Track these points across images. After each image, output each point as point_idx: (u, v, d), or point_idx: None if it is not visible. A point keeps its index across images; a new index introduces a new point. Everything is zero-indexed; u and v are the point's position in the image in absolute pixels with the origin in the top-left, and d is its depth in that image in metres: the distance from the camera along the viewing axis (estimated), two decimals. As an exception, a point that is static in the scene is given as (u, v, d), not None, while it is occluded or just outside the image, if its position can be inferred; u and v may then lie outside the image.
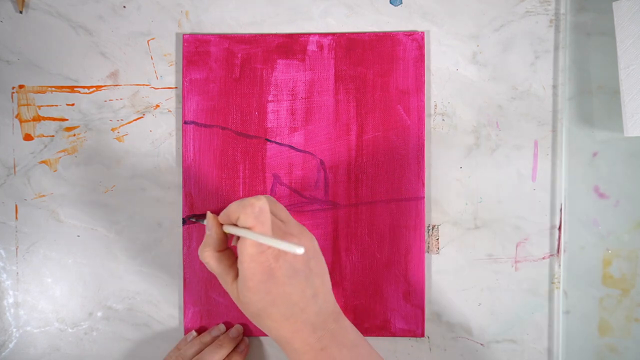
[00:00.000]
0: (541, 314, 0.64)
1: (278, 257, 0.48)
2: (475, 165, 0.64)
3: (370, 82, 0.63)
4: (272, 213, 0.51)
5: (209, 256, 0.51)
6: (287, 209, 0.63)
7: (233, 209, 0.49)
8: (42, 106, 0.64)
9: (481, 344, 0.64)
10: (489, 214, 0.64)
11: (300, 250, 0.42)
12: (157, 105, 0.64)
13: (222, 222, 0.51)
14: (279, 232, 0.50)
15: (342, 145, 0.63)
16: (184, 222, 0.63)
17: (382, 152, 0.63)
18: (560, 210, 0.63)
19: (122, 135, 0.64)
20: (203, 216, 0.57)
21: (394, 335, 0.63)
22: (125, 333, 0.65)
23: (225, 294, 0.63)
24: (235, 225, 0.49)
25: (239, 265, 0.48)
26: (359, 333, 0.55)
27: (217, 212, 0.52)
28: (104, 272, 0.64)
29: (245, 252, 0.47)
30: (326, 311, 0.51)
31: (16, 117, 0.64)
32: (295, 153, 0.63)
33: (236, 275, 0.51)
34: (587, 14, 0.63)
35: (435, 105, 0.64)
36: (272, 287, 0.48)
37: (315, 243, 0.53)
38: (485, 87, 0.64)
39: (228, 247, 0.53)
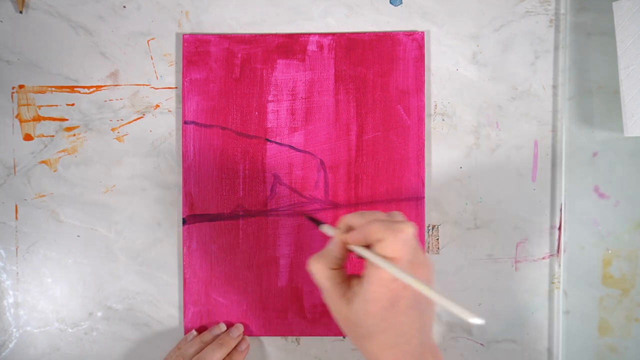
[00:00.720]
0: (541, 314, 0.64)
1: (407, 287, 0.45)
2: (475, 165, 0.64)
3: (370, 82, 0.63)
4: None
5: (320, 270, 0.48)
6: (288, 209, 0.63)
7: (376, 229, 0.45)
8: (42, 106, 0.64)
9: (481, 344, 0.64)
10: (489, 214, 0.64)
11: (480, 321, 0.39)
12: (157, 105, 0.64)
13: (351, 240, 0.48)
14: (410, 263, 0.46)
15: (342, 145, 0.63)
16: (184, 222, 0.63)
17: (382, 152, 0.63)
18: (560, 210, 0.63)
19: (122, 135, 0.64)
20: (318, 221, 0.54)
21: (394, 335, 0.63)
22: (125, 333, 0.65)
23: (225, 293, 0.63)
24: (368, 246, 0.46)
25: (365, 286, 0.45)
26: None
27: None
28: (104, 272, 0.64)
29: (378, 276, 0.44)
30: (427, 344, 0.49)
31: (16, 117, 0.64)
32: (295, 153, 0.63)
33: (346, 292, 0.48)
34: (587, 14, 0.63)
35: (435, 105, 0.64)
36: (390, 315, 0.46)
37: (432, 276, 0.50)
38: (485, 87, 0.64)
39: (342, 268, 0.50)
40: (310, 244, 0.63)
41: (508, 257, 0.64)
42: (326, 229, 0.51)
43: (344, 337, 0.64)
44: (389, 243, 0.44)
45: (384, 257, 0.44)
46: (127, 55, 0.64)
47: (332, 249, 0.49)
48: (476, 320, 0.39)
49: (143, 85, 0.64)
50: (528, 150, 0.64)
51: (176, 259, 0.64)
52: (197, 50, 0.63)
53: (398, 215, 0.48)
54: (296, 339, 0.65)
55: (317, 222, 0.53)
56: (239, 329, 0.63)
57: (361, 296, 0.46)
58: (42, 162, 0.64)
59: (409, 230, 0.44)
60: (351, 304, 0.47)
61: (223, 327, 0.63)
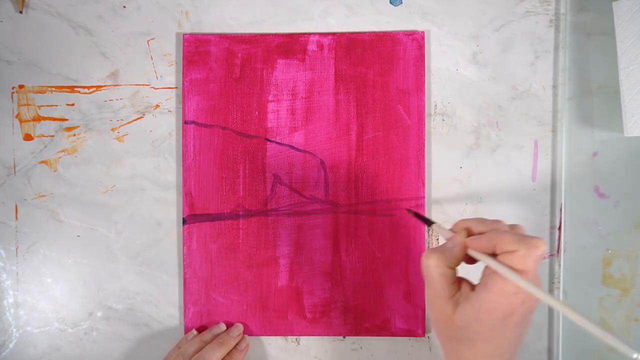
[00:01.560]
0: (541, 314, 0.64)
1: (524, 303, 0.45)
2: (475, 165, 0.64)
3: (371, 81, 0.63)
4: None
5: (437, 266, 0.47)
6: (288, 209, 0.63)
7: (509, 240, 0.43)
8: (42, 106, 0.64)
9: (481, 344, 0.64)
10: (489, 214, 0.64)
11: (636, 356, 0.37)
12: (157, 105, 0.64)
13: (476, 245, 0.47)
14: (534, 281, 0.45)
15: (342, 145, 0.63)
16: (184, 221, 0.63)
17: (382, 152, 0.63)
18: (560, 210, 0.63)
19: (122, 135, 0.64)
20: (428, 220, 0.54)
21: (394, 335, 0.63)
22: (125, 333, 0.65)
23: (225, 293, 0.63)
24: (494, 255, 0.45)
25: (484, 294, 0.44)
26: None
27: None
28: (104, 272, 0.64)
29: (500, 286, 0.43)
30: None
31: (16, 117, 0.64)
32: (295, 153, 0.63)
33: (455, 294, 0.47)
34: (587, 14, 0.63)
35: (436, 105, 0.64)
36: (500, 327, 0.45)
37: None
38: (485, 87, 0.64)
39: (455, 267, 0.49)
40: (310, 244, 0.63)
41: (508, 257, 0.64)
42: (439, 229, 0.50)
43: (344, 337, 0.64)
44: (522, 256, 0.43)
45: (512, 269, 0.43)
46: (127, 55, 0.64)
47: (453, 249, 0.48)
48: (635, 355, 0.37)
49: (143, 85, 0.64)
50: (528, 150, 0.64)
51: (176, 259, 0.64)
52: (197, 50, 0.63)
53: (522, 229, 0.47)
54: (296, 339, 0.65)
55: (428, 222, 0.52)
56: (238, 329, 0.63)
57: (476, 303, 0.45)
58: (42, 162, 0.64)
59: (543, 247, 0.43)
60: (460, 308, 0.46)
61: (223, 326, 0.63)
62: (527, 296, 0.44)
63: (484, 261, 0.45)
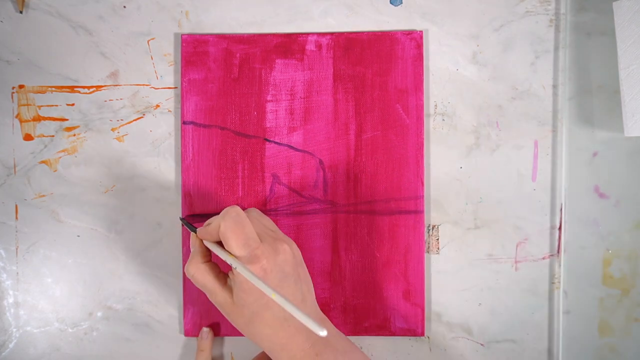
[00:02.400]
0: (541, 314, 0.64)
1: (269, 259, 0.49)
2: (475, 165, 0.64)
3: (369, 81, 0.63)
4: (261, 223, 0.53)
5: (195, 269, 0.52)
6: (287, 209, 0.63)
7: (211, 221, 0.51)
8: (42, 106, 0.64)
9: (481, 344, 0.64)
10: (489, 214, 0.64)
11: (323, 333, 0.41)
12: (157, 105, 0.64)
13: (202, 235, 0.53)
14: (269, 238, 0.51)
15: (341, 145, 0.63)
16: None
17: (381, 151, 0.63)
18: (560, 210, 0.63)
19: (122, 135, 0.64)
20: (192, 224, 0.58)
21: (393, 334, 0.63)
22: (125, 333, 0.65)
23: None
24: (220, 244, 0.51)
25: (233, 270, 0.50)
26: (349, 340, 0.56)
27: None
28: (104, 272, 0.64)
29: (237, 255, 0.49)
30: (314, 317, 0.52)
31: (16, 117, 0.64)
32: (294, 153, 0.63)
33: (226, 281, 0.52)
34: (587, 14, 0.63)
35: (435, 105, 0.64)
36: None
37: (300, 253, 0.54)
38: (485, 87, 0.64)
39: (211, 260, 0.54)
40: (309, 244, 0.63)
41: (508, 257, 0.64)
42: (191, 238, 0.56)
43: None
44: (223, 226, 0.49)
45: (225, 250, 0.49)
46: (127, 55, 0.64)
47: (194, 247, 0.54)
48: (322, 332, 0.41)
49: (143, 85, 0.64)
50: (528, 150, 0.63)
51: (176, 259, 0.64)
52: (195, 51, 0.63)
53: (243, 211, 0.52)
54: (296, 339, 0.65)
55: (193, 228, 0.56)
56: (204, 331, 0.63)
57: (236, 279, 0.49)
58: (42, 162, 0.64)
59: (233, 208, 0.50)
60: (233, 292, 0.51)
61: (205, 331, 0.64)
62: (268, 251, 0.49)
63: (209, 247, 0.51)
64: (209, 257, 0.54)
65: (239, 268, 0.47)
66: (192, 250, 0.55)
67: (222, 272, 0.54)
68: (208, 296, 0.53)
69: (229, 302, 0.51)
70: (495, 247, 0.64)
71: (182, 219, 0.61)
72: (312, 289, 0.54)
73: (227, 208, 0.50)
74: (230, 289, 0.51)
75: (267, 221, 0.56)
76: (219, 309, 0.53)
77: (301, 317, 0.42)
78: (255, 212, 0.56)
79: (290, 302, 0.43)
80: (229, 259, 0.49)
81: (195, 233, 0.55)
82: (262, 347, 0.52)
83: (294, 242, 0.54)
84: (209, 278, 0.52)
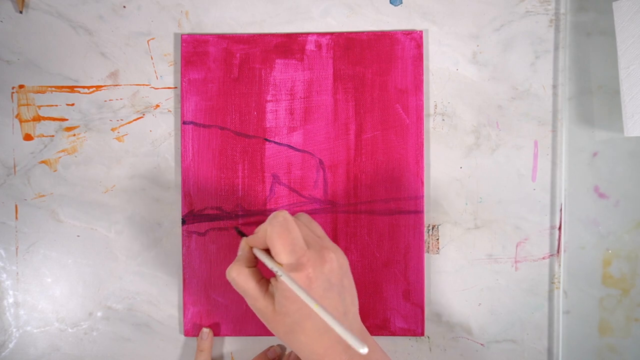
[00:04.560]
0: (541, 314, 0.64)
1: (315, 268, 0.48)
2: (475, 165, 0.64)
3: (369, 81, 0.63)
4: (309, 229, 0.52)
5: (239, 273, 0.50)
6: (286, 209, 0.63)
7: (261, 226, 0.50)
8: (42, 106, 0.64)
9: (481, 344, 0.64)
10: (489, 214, 0.64)
11: (364, 350, 0.40)
12: (157, 105, 0.64)
13: (251, 242, 0.52)
14: (316, 245, 0.49)
15: (341, 145, 0.63)
16: (184, 222, 0.63)
17: (381, 151, 0.63)
18: (560, 210, 0.63)
19: (122, 135, 0.64)
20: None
21: (393, 334, 0.63)
22: (125, 333, 0.65)
23: (224, 293, 0.63)
24: (268, 252, 0.50)
25: (277, 277, 0.48)
26: (385, 353, 0.54)
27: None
28: (104, 272, 0.64)
29: (282, 262, 0.48)
30: (355, 330, 0.51)
31: (16, 117, 0.64)
32: (294, 153, 0.63)
33: (268, 288, 0.51)
34: (587, 14, 0.63)
35: (435, 105, 0.64)
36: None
37: (347, 262, 0.52)
38: (485, 87, 0.64)
39: (256, 267, 0.53)
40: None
41: (508, 257, 0.64)
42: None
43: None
44: (270, 230, 0.48)
45: (273, 257, 0.48)
46: (127, 55, 0.64)
47: (242, 252, 0.52)
48: (362, 350, 0.40)
49: (143, 85, 0.64)
50: (528, 150, 0.63)
51: (176, 259, 0.64)
52: (195, 51, 0.63)
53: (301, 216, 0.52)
54: (296, 339, 0.65)
55: (244, 235, 0.55)
56: (205, 332, 0.63)
57: (279, 286, 0.48)
58: (42, 162, 0.64)
59: (280, 213, 0.49)
60: (275, 298, 0.49)
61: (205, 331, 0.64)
62: (315, 260, 0.48)
63: (261, 259, 0.50)
64: (253, 263, 0.52)
65: (283, 276, 0.46)
66: (238, 254, 0.53)
67: (264, 278, 0.52)
68: (248, 302, 0.51)
69: (270, 309, 0.50)
70: (495, 247, 0.64)
71: (235, 228, 0.60)
72: (356, 300, 0.53)
73: (275, 212, 0.49)
74: (272, 296, 0.50)
75: (316, 227, 0.54)
76: (258, 315, 0.52)
77: (342, 332, 0.41)
78: (304, 218, 0.54)
79: (331, 315, 0.42)
80: (274, 267, 0.48)
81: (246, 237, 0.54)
82: (300, 355, 0.51)
83: (341, 251, 0.52)
84: (251, 284, 0.50)
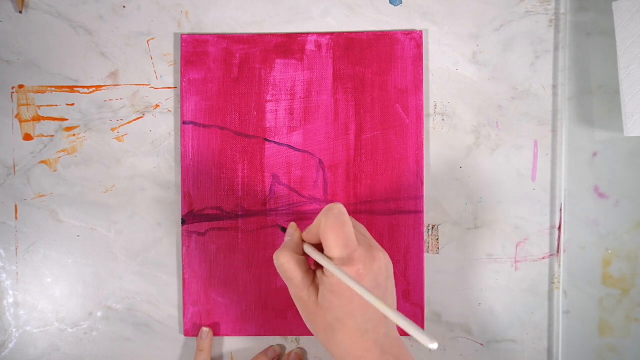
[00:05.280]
0: (541, 314, 0.64)
1: (365, 265, 0.47)
2: (475, 165, 0.64)
3: (369, 81, 0.63)
4: (356, 228, 0.51)
5: (286, 256, 0.50)
6: (287, 209, 0.63)
7: (317, 219, 0.49)
8: (42, 106, 0.64)
9: (481, 344, 0.64)
10: (489, 214, 0.64)
11: (434, 345, 0.39)
12: (157, 105, 0.64)
13: (305, 237, 0.51)
14: (365, 243, 0.49)
15: (341, 145, 0.63)
16: (184, 222, 0.63)
17: (381, 151, 0.63)
18: (560, 210, 0.63)
19: (122, 135, 0.64)
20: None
21: (393, 335, 0.63)
22: (125, 333, 0.65)
23: (224, 293, 0.63)
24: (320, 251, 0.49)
25: (326, 270, 0.47)
26: None
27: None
28: (104, 272, 0.64)
29: (334, 256, 0.47)
30: (393, 335, 0.50)
31: (16, 117, 0.64)
32: (294, 153, 0.63)
33: (314, 279, 0.50)
34: (587, 14, 0.63)
35: (435, 105, 0.64)
36: (355, 295, 0.47)
37: (392, 265, 0.51)
38: (485, 87, 0.64)
39: (305, 254, 0.52)
40: (309, 244, 0.63)
41: (508, 257, 0.64)
42: (288, 227, 0.54)
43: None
44: (324, 222, 0.47)
45: (331, 258, 0.47)
46: (127, 55, 0.64)
47: (292, 237, 0.52)
48: (432, 345, 0.39)
49: (143, 85, 0.64)
50: (528, 150, 0.63)
51: (176, 259, 0.64)
52: (195, 51, 0.63)
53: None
54: (296, 339, 0.65)
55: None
56: (205, 332, 0.63)
57: (327, 280, 0.47)
58: (42, 162, 0.64)
59: (336, 205, 0.48)
60: (320, 290, 0.49)
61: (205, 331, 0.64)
62: (365, 256, 0.47)
63: (310, 254, 0.49)
64: (302, 252, 0.51)
65: (335, 270, 0.45)
66: (286, 239, 0.52)
67: (310, 269, 0.51)
68: (291, 290, 0.51)
69: (313, 301, 0.49)
70: (495, 247, 0.64)
71: (278, 226, 0.60)
72: (396, 305, 0.52)
73: (330, 205, 0.48)
74: (316, 288, 0.49)
75: (361, 227, 0.53)
76: (299, 306, 0.51)
77: (407, 325, 0.40)
78: (352, 219, 0.52)
79: (399, 313, 0.41)
80: (325, 262, 0.47)
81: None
82: (334, 354, 0.50)
83: (387, 253, 0.51)
84: (298, 272, 0.49)
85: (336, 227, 0.47)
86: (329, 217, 0.47)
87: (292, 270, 0.49)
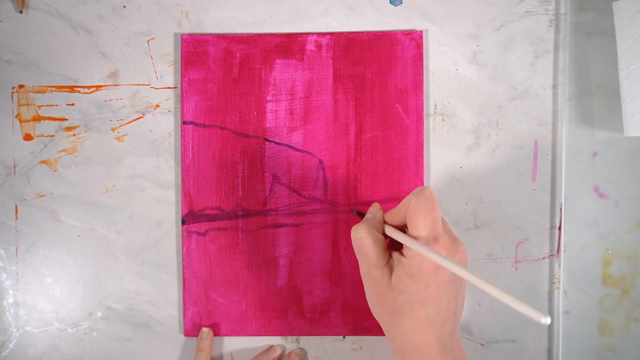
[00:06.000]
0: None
1: (449, 252, 0.46)
2: (475, 165, 0.64)
3: (369, 81, 0.63)
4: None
5: (365, 230, 0.49)
6: (287, 209, 0.63)
7: (406, 199, 0.48)
8: (42, 106, 0.64)
9: (481, 344, 0.64)
10: (489, 214, 0.64)
11: (547, 320, 0.37)
12: (157, 105, 0.64)
13: (388, 218, 0.51)
14: (449, 233, 0.49)
15: (341, 145, 0.63)
16: (184, 222, 0.63)
17: (381, 151, 0.63)
18: (560, 210, 0.63)
19: (122, 135, 0.64)
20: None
21: (393, 335, 0.63)
22: (125, 333, 0.65)
23: (224, 293, 0.63)
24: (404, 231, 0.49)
25: (410, 252, 0.47)
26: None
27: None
28: (104, 272, 0.64)
29: (421, 235, 0.46)
30: (456, 336, 0.49)
31: (16, 117, 0.64)
32: (294, 153, 0.63)
33: (389, 260, 0.49)
34: (587, 14, 0.63)
35: (435, 105, 0.64)
36: (432, 283, 0.46)
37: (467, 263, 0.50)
38: (485, 87, 0.64)
39: (384, 235, 0.51)
40: (309, 244, 0.63)
41: (508, 257, 0.64)
42: (371, 206, 0.53)
43: (344, 337, 0.64)
44: (415, 201, 0.47)
45: (414, 236, 0.47)
46: (127, 55, 0.64)
47: (375, 215, 0.51)
48: (545, 319, 0.37)
49: (143, 85, 0.64)
50: (528, 150, 0.63)
51: (176, 259, 0.64)
52: (195, 51, 0.63)
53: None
54: (296, 339, 0.65)
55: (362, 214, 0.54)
56: (205, 332, 0.63)
57: (406, 262, 0.47)
58: (42, 162, 0.64)
59: (428, 188, 0.47)
60: (395, 271, 0.48)
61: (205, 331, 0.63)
62: (446, 251, 0.46)
63: (392, 235, 0.49)
64: (382, 230, 0.51)
65: (423, 250, 0.44)
66: (368, 216, 0.52)
67: (387, 250, 0.50)
68: (363, 267, 0.50)
69: (386, 281, 0.48)
70: (495, 247, 0.64)
71: (353, 210, 0.59)
72: (464, 307, 0.51)
73: (422, 187, 0.48)
74: (390, 269, 0.48)
75: (446, 222, 0.52)
76: (368, 285, 0.50)
77: (515, 303, 0.39)
78: None
79: (503, 290, 0.40)
80: (410, 241, 0.46)
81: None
82: (394, 342, 0.49)
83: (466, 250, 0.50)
84: (376, 248, 0.48)
85: (427, 207, 0.46)
86: (420, 197, 0.47)
87: (369, 246, 0.49)
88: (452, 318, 0.48)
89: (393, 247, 0.51)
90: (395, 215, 0.50)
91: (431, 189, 0.47)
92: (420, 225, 0.46)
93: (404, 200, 0.49)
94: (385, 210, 0.52)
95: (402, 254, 0.48)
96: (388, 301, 0.48)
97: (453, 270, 0.43)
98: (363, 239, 0.49)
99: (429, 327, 0.47)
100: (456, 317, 0.49)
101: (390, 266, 0.49)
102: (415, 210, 0.47)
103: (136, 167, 0.64)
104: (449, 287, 0.47)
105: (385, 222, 0.51)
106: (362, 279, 0.51)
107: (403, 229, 0.50)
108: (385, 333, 0.51)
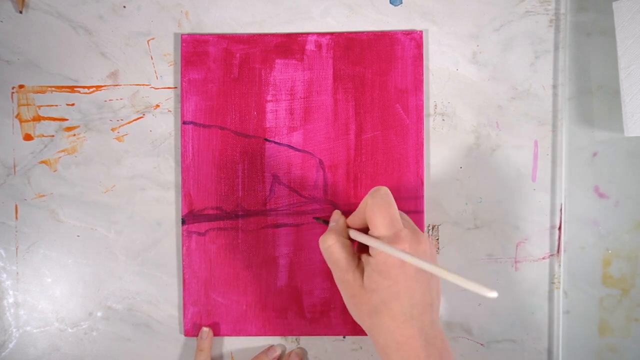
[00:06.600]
0: (541, 314, 0.64)
1: (411, 245, 0.48)
2: (475, 165, 0.64)
3: (369, 81, 0.63)
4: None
5: (335, 241, 0.51)
6: (287, 209, 0.63)
7: (363, 200, 0.51)
8: (42, 106, 0.64)
9: (481, 344, 0.64)
10: (489, 214, 0.64)
11: (493, 294, 0.40)
12: (157, 105, 0.64)
13: (350, 222, 0.54)
14: (410, 226, 0.50)
15: (341, 145, 0.63)
16: (184, 222, 0.63)
17: (381, 151, 0.63)
18: (560, 210, 0.63)
19: (122, 135, 0.64)
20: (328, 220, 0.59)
21: (393, 335, 0.63)
22: (125, 333, 0.65)
23: (224, 293, 0.63)
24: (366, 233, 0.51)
25: (375, 251, 0.48)
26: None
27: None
28: (104, 272, 0.64)
29: (381, 234, 0.48)
30: (437, 327, 0.50)
31: (16, 117, 0.64)
32: (294, 153, 0.63)
33: (359, 263, 0.51)
34: (587, 14, 0.63)
35: (435, 105, 0.64)
36: (401, 276, 0.48)
37: (436, 254, 0.53)
38: (485, 87, 0.64)
39: (350, 239, 0.53)
40: (309, 244, 0.63)
41: (508, 257, 0.64)
42: (332, 214, 0.57)
43: (344, 337, 0.64)
44: (371, 201, 0.49)
45: (378, 236, 0.49)
46: (127, 55, 0.64)
47: (338, 222, 0.54)
48: (491, 294, 0.40)
49: (143, 85, 0.64)
50: (528, 150, 0.63)
51: (176, 259, 0.64)
52: (195, 51, 0.63)
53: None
54: (296, 339, 0.65)
55: (327, 220, 0.57)
56: (204, 331, 0.63)
57: (373, 260, 0.48)
58: (42, 162, 0.64)
59: (382, 187, 0.50)
60: (365, 272, 0.50)
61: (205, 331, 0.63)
62: (411, 237, 0.49)
63: (356, 238, 0.52)
64: (347, 236, 0.53)
65: (384, 247, 0.46)
66: (331, 225, 0.54)
67: (355, 253, 0.52)
68: (336, 274, 0.52)
69: (359, 283, 0.50)
70: (495, 247, 0.64)
71: (316, 218, 0.62)
72: (440, 297, 0.52)
73: (377, 187, 0.50)
74: (361, 271, 0.50)
75: (405, 215, 0.54)
76: (343, 290, 0.52)
77: (466, 282, 0.41)
78: None
79: (455, 273, 0.42)
80: (372, 241, 0.48)
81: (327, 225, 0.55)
82: (377, 342, 0.50)
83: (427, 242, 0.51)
84: (344, 254, 0.51)
85: (383, 206, 0.48)
86: (376, 197, 0.49)
87: (339, 253, 0.51)
88: (430, 309, 0.50)
89: (361, 249, 0.53)
90: (356, 218, 0.52)
91: (385, 189, 0.50)
92: (379, 223, 0.48)
93: (362, 202, 0.51)
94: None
95: (370, 254, 0.50)
96: (364, 302, 0.50)
97: (407, 260, 0.45)
98: (331, 247, 0.51)
99: (406, 320, 0.48)
100: (433, 308, 0.50)
101: (361, 268, 0.51)
102: (372, 210, 0.49)
103: (136, 167, 0.64)
104: (419, 278, 0.49)
105: (348, 227, 0.54)
106: (337, 286, 0.53)
107: (366, 230, 0.52)
108: (368, 334, 0.52)
